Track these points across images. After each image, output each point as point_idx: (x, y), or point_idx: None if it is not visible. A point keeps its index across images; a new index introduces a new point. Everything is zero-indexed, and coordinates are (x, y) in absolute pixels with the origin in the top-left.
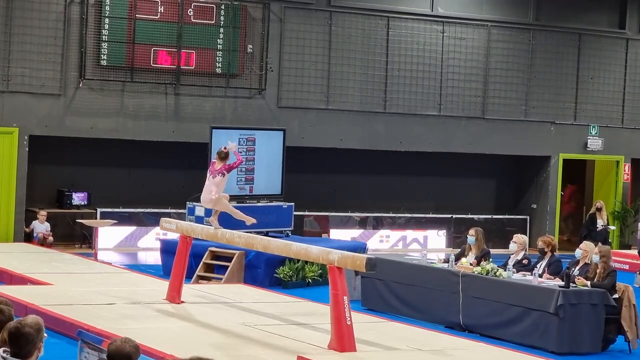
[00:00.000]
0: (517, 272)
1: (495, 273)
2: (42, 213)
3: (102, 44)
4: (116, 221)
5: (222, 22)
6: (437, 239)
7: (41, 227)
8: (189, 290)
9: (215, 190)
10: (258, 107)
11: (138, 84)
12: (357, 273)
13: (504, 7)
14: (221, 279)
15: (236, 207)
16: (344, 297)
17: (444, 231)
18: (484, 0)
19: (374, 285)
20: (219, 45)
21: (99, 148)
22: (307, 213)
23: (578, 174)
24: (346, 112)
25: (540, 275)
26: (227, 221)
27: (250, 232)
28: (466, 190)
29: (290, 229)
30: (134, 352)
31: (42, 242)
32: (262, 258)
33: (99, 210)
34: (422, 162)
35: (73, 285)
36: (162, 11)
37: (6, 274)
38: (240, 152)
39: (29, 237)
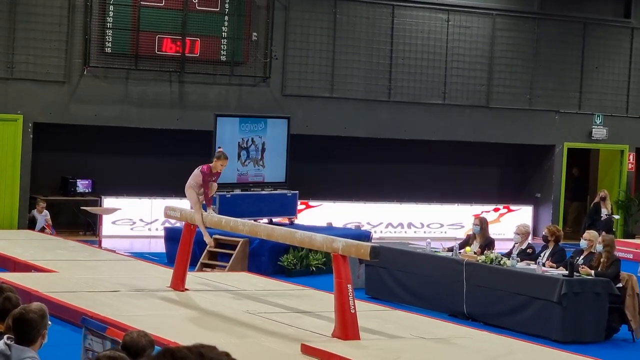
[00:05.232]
0: (521, 260)
1: (499, 262)
2: (41, 204)
3: (107, 32)
4: (120, 209)
5: (227, 10)
6: (441, 227)
7: (41, 217)
8: (193, 278)
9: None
10: (262, 95)
11: (142, 71)
12: (361, 261)
13: None
14: (225, 266)
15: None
16: (348, 286)
17: (450, 220)
18: None
19: (378, 273)
20: (223, 33)
21: (103, 135)
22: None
23: (582, 163)
24: (350, 100)
25: (544, 264)
26: (232, 211)
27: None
28: (470, 179)
29: (294, 217)
30: (148, 345)
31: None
32: (266, 246)
33: (103, 197)
34: (426, 151)
35: (77, 273)
36: None
37: (10, 261)
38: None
39: (33, 225)
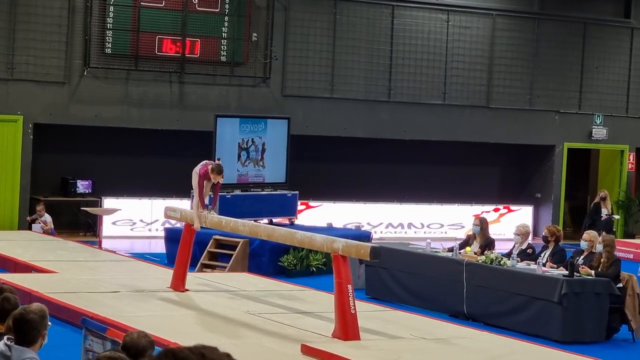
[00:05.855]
0: (521, 261)
1: (499, 262)
2: (39, 207)
3: (107, 32)
4: (120, 209)
5: (227, 10)
6: (441, 227)
7: (41, 220)
8: (193, 278)
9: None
10: (262, 95)
11: (142, 72)
12: (361, 262)
13: None
14: (225, 267)
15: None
16: (348, 286)
17: (449, 220)
18: None
19: (378, 274)
20: (223, 34)
21: (103, 136)
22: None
23: (582, 163)
24: (351, 100)
25: (544, 264)
26: (232, 211)
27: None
28: (470, 179)
29: (294, 217)
30: (149, 346)
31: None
32: (266, 246)
33: (103, 198)
34: (426, 151)
35: (77, 274)
36: None
37: (11, 262)
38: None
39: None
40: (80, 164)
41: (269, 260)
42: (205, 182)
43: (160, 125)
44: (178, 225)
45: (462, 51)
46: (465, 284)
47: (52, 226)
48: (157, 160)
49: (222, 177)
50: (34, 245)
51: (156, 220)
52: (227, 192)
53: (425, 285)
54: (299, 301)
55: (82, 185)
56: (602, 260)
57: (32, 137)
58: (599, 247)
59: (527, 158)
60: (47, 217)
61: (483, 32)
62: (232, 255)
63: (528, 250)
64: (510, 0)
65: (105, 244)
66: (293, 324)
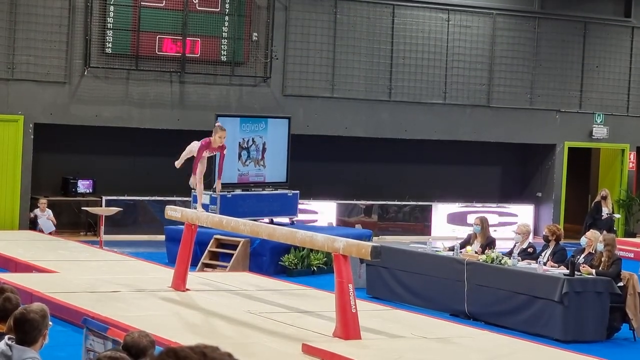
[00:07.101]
0: (522, 260)
1: (500, 261)
2: (42, 201)
3: (107, 32)
4: (121, 209)
5: (227, 10)
6: (442, 226)
7: (44, 219)
8: (194, 278)
9: None
10: (263, 95)
11: (143, 72)
12: (362, 261)
13: None
14: (226, 266)
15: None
16: (349, 285)
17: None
18: None
19: (379, 273)
20: (224, 33)
21: (104, 136)
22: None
23: (583, 163)
24: (351, 100)
25: (545, 264)
26: (233, 211)
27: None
28: (471, 179)
29: (295, 217)
30: (149, 346)
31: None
32: (267, 246)
33: (104, 198)
34: (427, 151)
35: (78, 273)
36: None
37: (11, 261)
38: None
39: (34, 225)
40: (81, 164)
41: (270, 259)
42: (203, 155)
43: (161, 125)
44: (179, 224)
45: (462, 50)
46: (466, 283)
47: (54, 220)
48: (158, 160)
49: (225, 137)
50: (35, 245)
51: (157, 220)
52: (227, 192)
53: (426, 285)
54: (299, 300)
55: (83, 185)
56: (602, 259)
57: (32, 137)
58: (600, 246)
59: (528, 157)
60: (48, 211)
61: (483, 31)
62: (233, 254)
63: (529, 250)
64: (510, 0)
65: (106, 243)
66: (294, 324)
